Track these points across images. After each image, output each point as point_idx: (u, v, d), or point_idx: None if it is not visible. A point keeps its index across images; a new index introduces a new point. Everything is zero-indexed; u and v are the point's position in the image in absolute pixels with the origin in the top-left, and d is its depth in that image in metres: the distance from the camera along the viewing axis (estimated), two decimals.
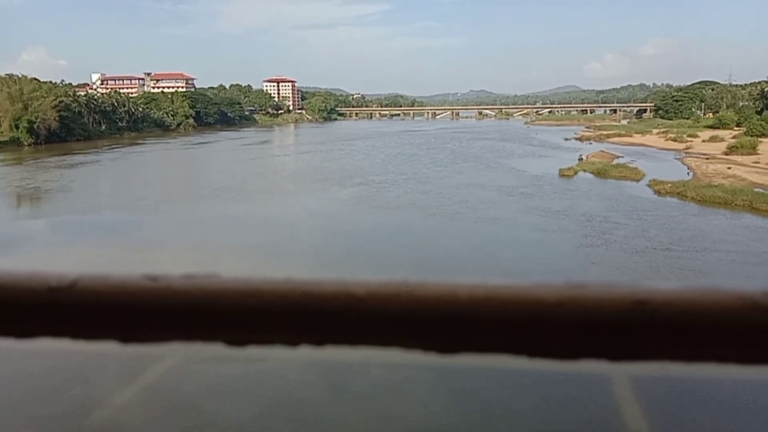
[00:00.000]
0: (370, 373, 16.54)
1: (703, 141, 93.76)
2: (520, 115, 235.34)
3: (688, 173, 63.49)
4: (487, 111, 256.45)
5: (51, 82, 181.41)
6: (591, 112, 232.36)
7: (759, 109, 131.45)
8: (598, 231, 36.17)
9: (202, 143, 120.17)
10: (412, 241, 35.41)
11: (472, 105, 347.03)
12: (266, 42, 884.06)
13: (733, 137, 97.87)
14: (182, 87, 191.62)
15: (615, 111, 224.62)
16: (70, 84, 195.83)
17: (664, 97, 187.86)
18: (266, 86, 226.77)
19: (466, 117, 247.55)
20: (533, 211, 43.30)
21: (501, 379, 17.00)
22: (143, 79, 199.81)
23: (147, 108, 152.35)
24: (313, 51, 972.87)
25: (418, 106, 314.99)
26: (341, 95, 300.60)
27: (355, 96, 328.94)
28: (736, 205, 44.08)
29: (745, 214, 41.52)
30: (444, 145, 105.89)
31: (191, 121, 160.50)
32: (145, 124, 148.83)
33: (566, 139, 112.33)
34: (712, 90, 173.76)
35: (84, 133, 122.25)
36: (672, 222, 38.68)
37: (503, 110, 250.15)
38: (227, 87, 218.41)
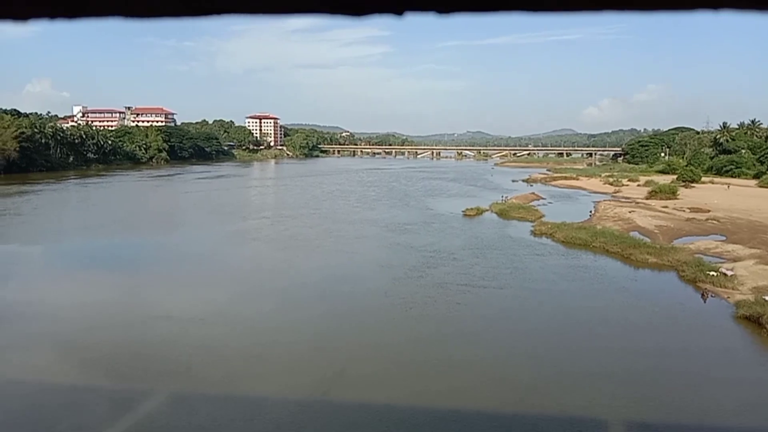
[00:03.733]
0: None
1: (638, 185, 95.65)
2: (499, 156, 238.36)
3: (590, 214, 65.14)
4: (467, 152, 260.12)
5: (36, 113, 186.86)
6: (568, 155, 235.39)
7: (713, 155, 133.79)
8: (429, 266, 37.78)
9: (161, 176, 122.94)
10: (246, 268, 37.22)
11: (466, 145, 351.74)
12: (268, 80, 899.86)
13: (672, 182, 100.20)
14: (161, 121, 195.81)
15: (591, 155, 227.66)
16: (56, 116, 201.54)
17: (632, 142, 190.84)
18: (248, 122, 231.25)
19: (447, 157, 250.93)
20: (394, 246, 44.99)
21: None
22: (124, 112, 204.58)
23: (120, 141, 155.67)
24: (313, 90, 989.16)
25: (408, 145, 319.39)
26: (328, 133, 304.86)
27: (343, 134, 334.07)
28: (593, 246, 45.54)
29: (593, 255, 43.01)
30: (390, 183, 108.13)
31: (164, 154, 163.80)
32: (116, 156, 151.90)
33: (514, 181, 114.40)
34: (679, 136, 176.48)
35: (47, 164, 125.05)
36: (511, 260, 40.23)
37: (481, 151, 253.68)
38: (210, 122, 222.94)
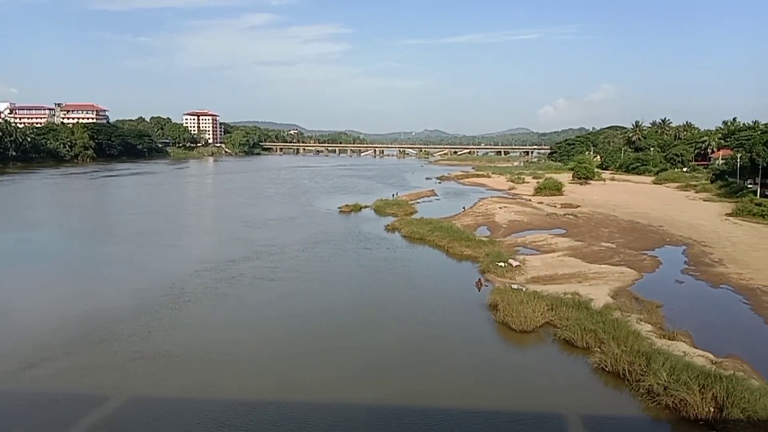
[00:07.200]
0: None
1: (538, 182, 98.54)
2: (440, 154, 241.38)
3: (463, 210, 67.05)
4: (410, 150, 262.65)
5: None
6: (506, 153, 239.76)
7: (629, 152, 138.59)
8: (246, 259, 38.77)
9: (74, 174, 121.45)
10: (61, 262, 37.86)
11: (423, 144, 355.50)
12: (227, 77, 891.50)
13: (572, 179, 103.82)
14: (92, 118, 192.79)
15: (527, 153, 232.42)
16: None
17: (560, 142, 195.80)
18: (186, 119, 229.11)
19: (390, 155, 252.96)
20: (233, 241, 46.00)
21: None
22: (54, 109, 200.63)
23: (43, 138, 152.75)
24: (272, 87, 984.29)
25: (360, 143, 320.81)
26: (274, 131, 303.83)
27: (291, 131, 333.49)
28: (428, 240, 47.04)
29: (421, 248, 44.63)
30: (301, 181, 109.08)
31: (90, 152, 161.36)
32: (38, 154, 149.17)
33: (428, 179, 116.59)
34: (603, 135, 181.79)
35: None
36: (333, 254, 41.47)
37: (423, 150, 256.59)
38: (147, 119, 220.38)
